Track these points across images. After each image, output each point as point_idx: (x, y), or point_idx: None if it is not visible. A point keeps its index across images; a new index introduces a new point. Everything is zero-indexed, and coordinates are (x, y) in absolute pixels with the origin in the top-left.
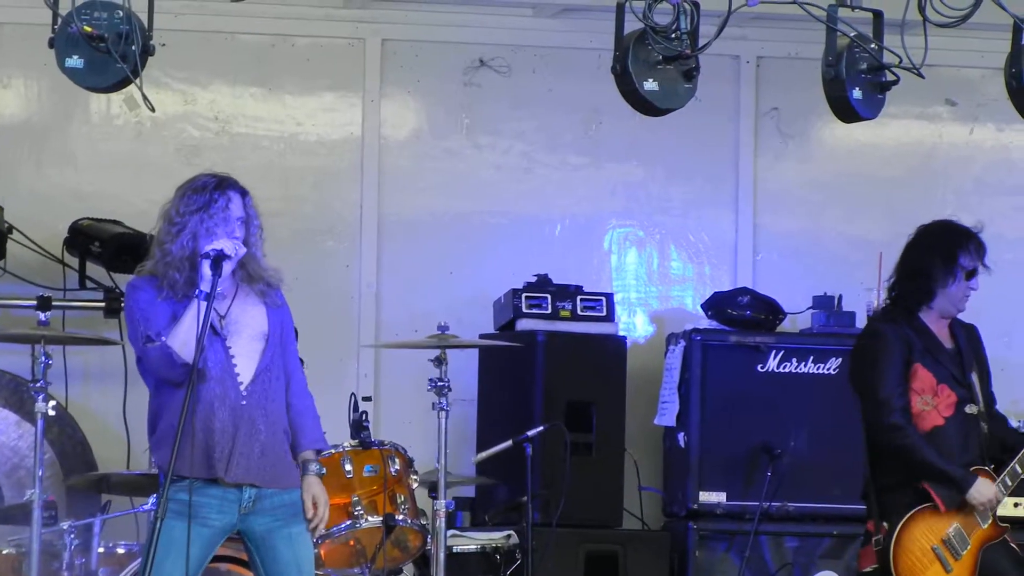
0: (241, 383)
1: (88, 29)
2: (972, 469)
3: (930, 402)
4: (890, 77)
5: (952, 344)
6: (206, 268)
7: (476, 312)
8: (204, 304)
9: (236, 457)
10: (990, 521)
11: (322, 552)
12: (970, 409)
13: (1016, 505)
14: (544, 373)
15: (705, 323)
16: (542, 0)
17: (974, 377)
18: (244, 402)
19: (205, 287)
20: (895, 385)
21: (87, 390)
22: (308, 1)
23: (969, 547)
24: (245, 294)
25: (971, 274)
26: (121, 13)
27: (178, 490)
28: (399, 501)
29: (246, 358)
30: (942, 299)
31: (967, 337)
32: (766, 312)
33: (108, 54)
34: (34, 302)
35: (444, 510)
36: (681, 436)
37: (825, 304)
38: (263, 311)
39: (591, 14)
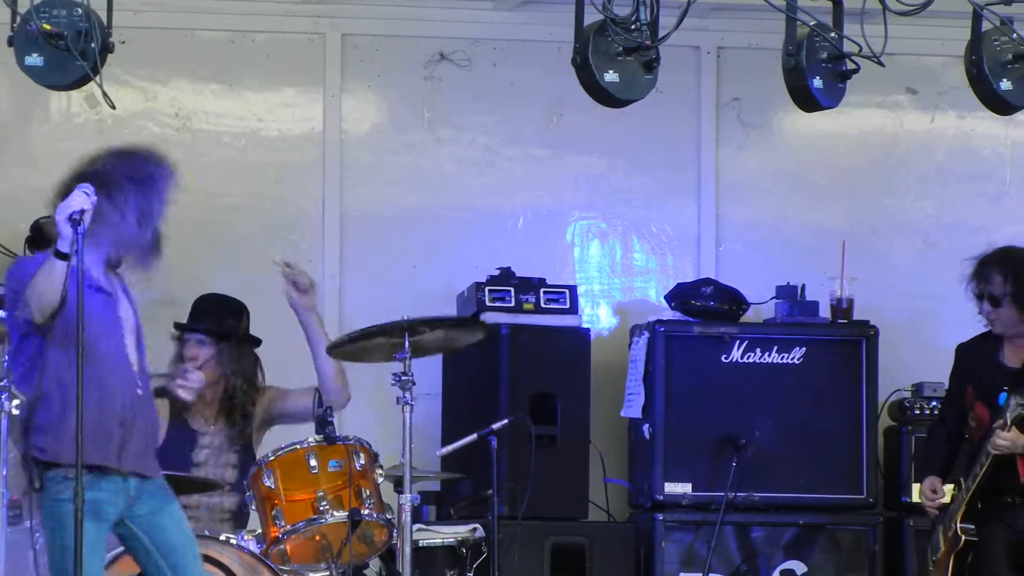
0: (135, 373)
1: (47, 27)
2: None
3: (975, 417)
4: (850, 66)
5: (1022, 364)
6: (66, 228)
7: (439, 306)
8: (63, 264)
9: (132, 446)
10: (952, 531)
11: (288, 548)
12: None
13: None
14: (508, 366)
15: (669, 314)
16: None
17: (1011, 398)
18: (140, 392)
19: (64, 247)
20: (948, 397)
21: None
22: None
23: (942, 551)
24: (122, 288)
25: (978, 299)
26: (80, 11)
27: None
28: (364, 496)
29: (132, 349)
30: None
31: None
32: (729, 302)
33: (68, 52)
34: None
35: (410, 504)
36: (646, 427)
37: (788, 294)
38: (131, 304)
39: (551, 6)
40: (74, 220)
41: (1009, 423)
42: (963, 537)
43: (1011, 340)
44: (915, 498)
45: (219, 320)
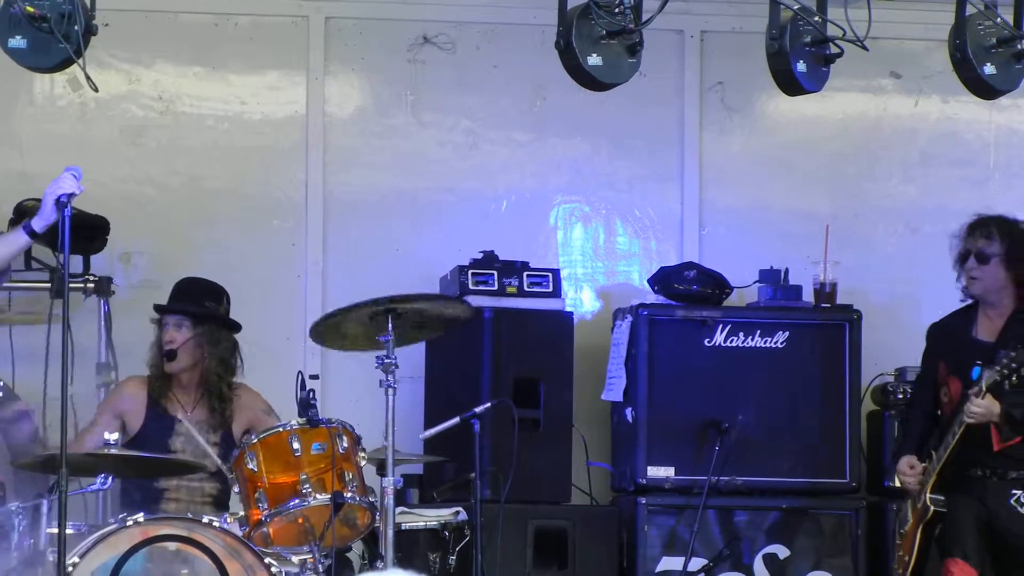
0: None
1: (30, 9)
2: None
3: (947, 392)
4: (834, 50)
5: (997, 338)
6: (51, 209)
7: (422, 289)
8: (29, 241)
9: None
10: (921, 501)
11: (270, 530)
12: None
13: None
14: (491, 350)
15: (652, 298)
16: None
17: (985, 372)
18: None
19: (38, 226)
20: (921, 377)
21: (35, 370)
22: None
23: (910, 523)
24: None
25: (963, 257)
26: None
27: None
28: (347, 479)
29: None
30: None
31: None
32: (712, 286)
33: (51, 34)
34: None
35: (392, 487)
36: (629, 411)
37: (771, 278)
38: None
39: None
40: (61, 203)
41: (984, 390)
42: (932, 508)
43: (985, 313)
44: (897, 482)
45: (199, 303)
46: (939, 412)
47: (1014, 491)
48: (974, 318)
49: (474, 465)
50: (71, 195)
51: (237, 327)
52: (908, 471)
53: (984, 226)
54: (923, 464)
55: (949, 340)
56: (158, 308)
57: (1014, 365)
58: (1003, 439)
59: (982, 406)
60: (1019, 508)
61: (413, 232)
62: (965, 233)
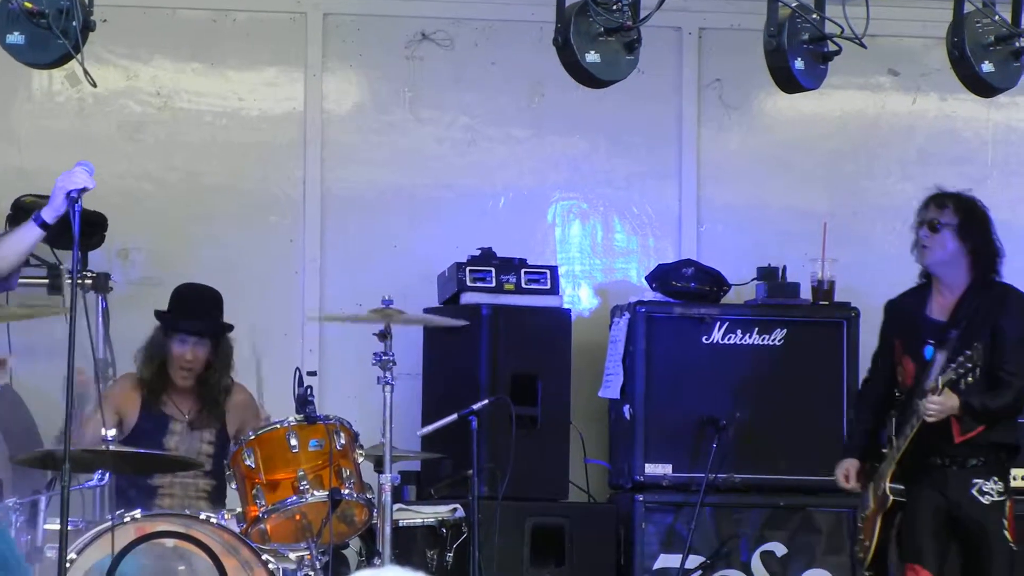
0: None
1: (28, 5)
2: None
3: (902, 372)
4: (832, 47)
5: (949, 316)
6: (60, 202)
7: (420, 286)
8: (41, 233)
9: None
10: (881, 490)
11: (268, 527)
12: (927, 384)
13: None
14: (489, 346)
15: (650, 295)
16: None
17: (938, 353)
18: None
19: (49, 217)
20: (877, 353)
21: (32, 367)
22: None
23: (871, 509)
24: None
25: (917, 227)
26: None
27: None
28: (345, 475)
29: None
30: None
31: (985, 306)
32: (710, 284)
33: (49, 30)
34: None
35: (390, 484)
36: (626, 408)
37: (769, 275)
38: None
39: None
40: (71, 198)
41: (940, 387)
42: (891, 497)
43: (939, 290)
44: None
45: (214, 317)
46: (896, 393)
47: (975, 480)
48: (928, 295)
49: (472, 462)
50: (83, 190)
51: (231, 328)
52: (843, 482)
53: (938, 198)
54: (871, 460)
55: (904, 318)
56: (177, 325)
57: (969, 365)
58: (964, 431)
59: (938, 403)
60: (980, 498)
61: (411, 229)
62: (923, 204)
